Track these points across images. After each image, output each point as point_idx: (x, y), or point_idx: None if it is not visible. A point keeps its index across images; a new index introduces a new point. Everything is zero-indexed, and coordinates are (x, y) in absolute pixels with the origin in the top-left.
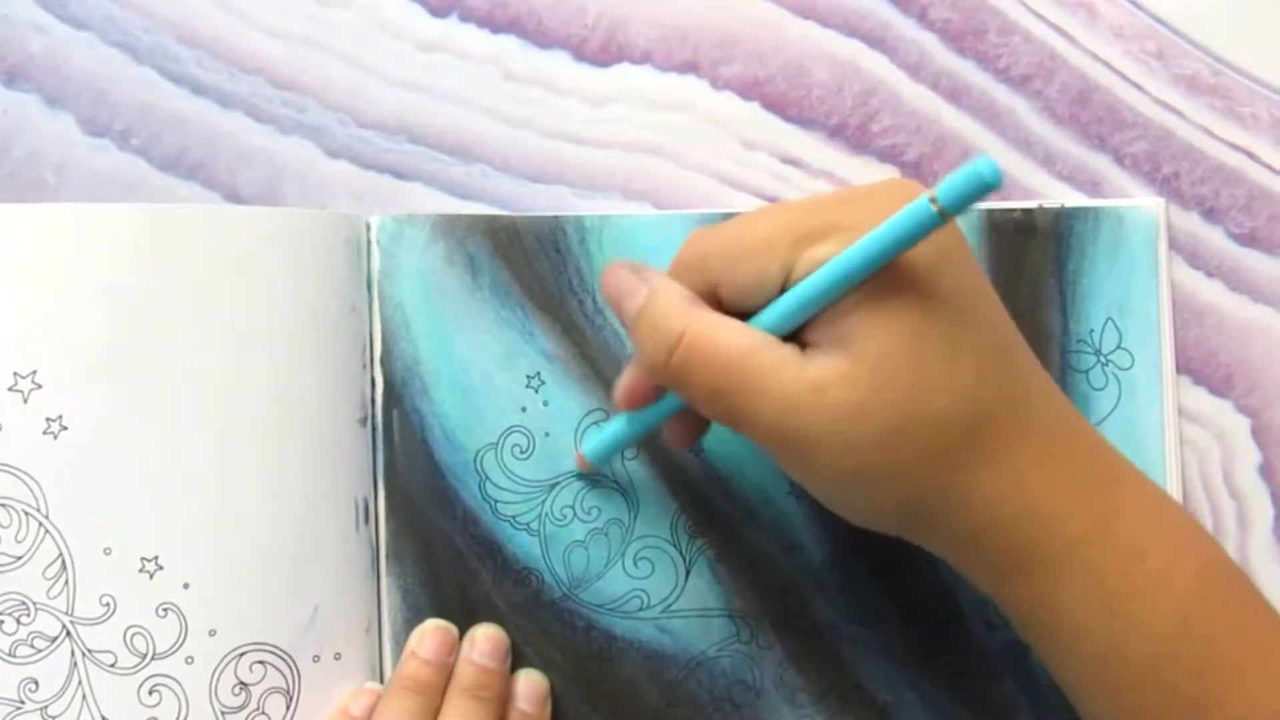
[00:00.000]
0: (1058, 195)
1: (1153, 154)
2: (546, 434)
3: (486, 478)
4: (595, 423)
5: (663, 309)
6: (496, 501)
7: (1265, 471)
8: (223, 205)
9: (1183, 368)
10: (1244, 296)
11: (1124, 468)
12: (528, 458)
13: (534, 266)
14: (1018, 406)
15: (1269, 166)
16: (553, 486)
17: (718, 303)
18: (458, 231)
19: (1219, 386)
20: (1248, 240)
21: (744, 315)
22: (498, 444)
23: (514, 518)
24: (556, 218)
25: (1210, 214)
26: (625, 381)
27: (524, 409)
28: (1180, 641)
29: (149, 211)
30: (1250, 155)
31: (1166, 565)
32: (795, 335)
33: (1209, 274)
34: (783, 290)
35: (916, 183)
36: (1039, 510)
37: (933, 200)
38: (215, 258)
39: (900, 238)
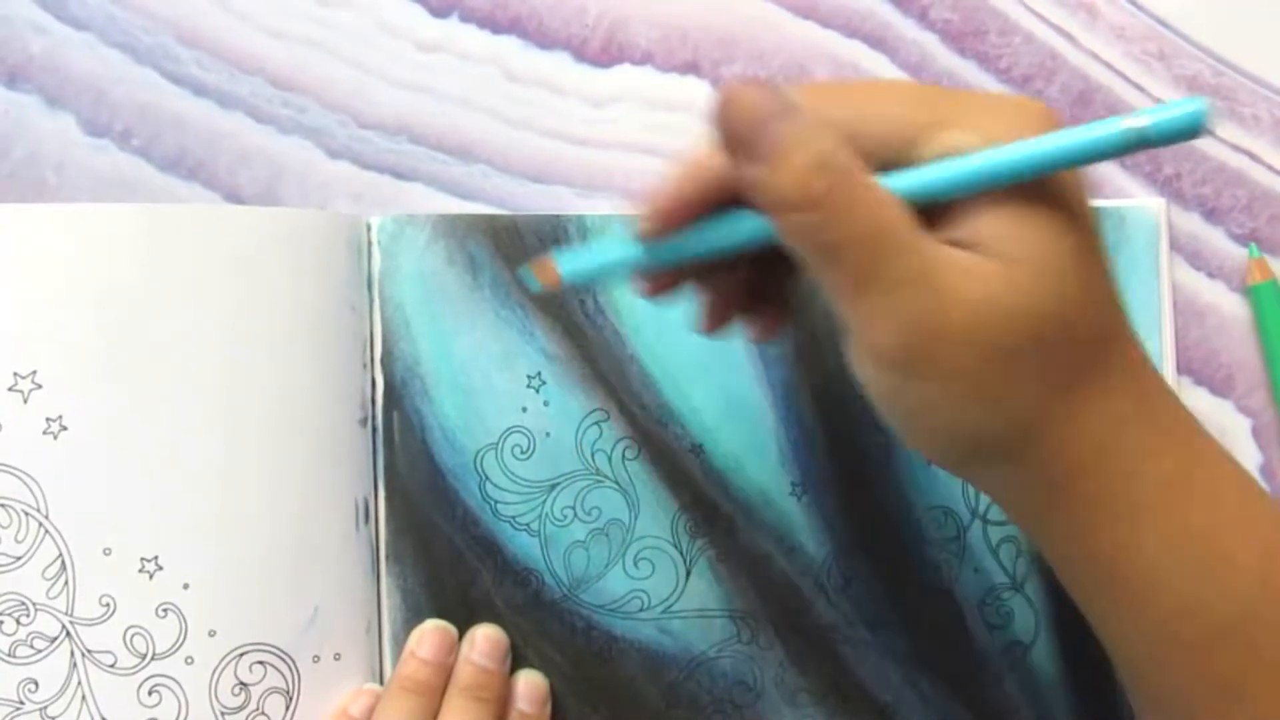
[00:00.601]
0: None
1: (1153, 154)
2: (547, 434)
3: (487, 478)
4: (596, 423)
5: (827, 138)
6: (497, 502)
7: (1266, 472)
8: (223, 205)
9: (1183, 368)
10: (1245, 297)
11: (1190, 415)
12: (528, 458)
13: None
14: (1124, 347)
15: (1270, 167)
16: (553, 487)
17: None
18: (458, 231)
19: (1220, 387)
20: (1249, 241)
21: None
22: (498, 444)
23: (514, 518)
24: (558, 217)
25: (1211, 215)
26: (667, 198)
27: (524, 409)
28: (1261, 596)
29: (149, 211)
30: (1251, 156)
31: (1242, 515)
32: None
33: (1210, 275)
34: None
35: (1043, 104)
36: (1133, 446)
37: (1142, 125)
38: (215, 258)
39: (1093, 151)
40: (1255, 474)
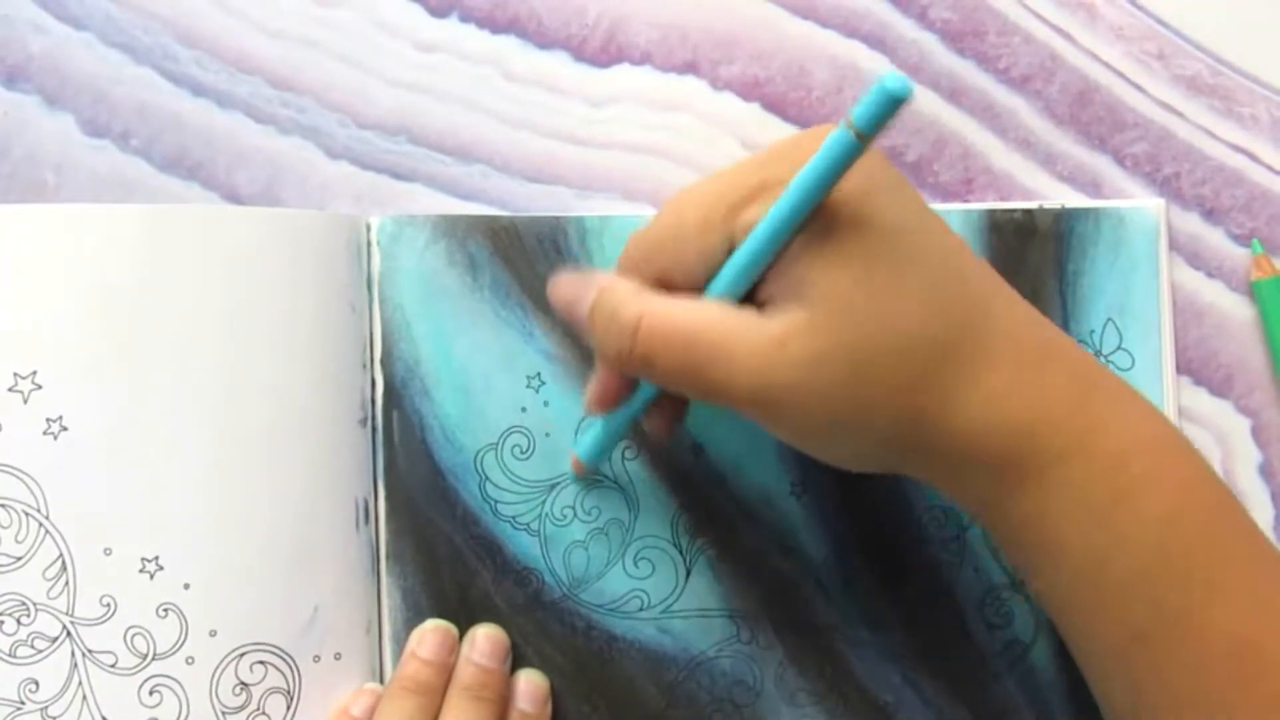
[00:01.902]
0: (1058, 196)
1: (1153, 154)
2: (547, 434)
3: (487, 478)
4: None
5: (615, 301)
6: (497, 502)
7: (1265, 471)
8: (222, 205)
9: (1183, 368)
10: (1245, 297)
11: (1103, 376)
12: (528, 458)
13: (534, 267)
14: (980, 324)
15: (1269, 167)
16: (553, 486)
17: (670, 289)
18: (458, 232)
19: (1219, 387)
20: (1248, 241)
21: (698, 295)
22: (498, 444)
23: (514, 518)
24: (557, 218)
25: (1211, 214)
26: (594, 385)
27: (524, 409)
28: (1165, 550)
29: (149, 211)
30: (1251, 156)
31: (1149, 474)
32: (751, 298)
33: (1209, 274)
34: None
35: (830, 125)
36: (1018, 424)
37: (848, 125)
38: (215, 258)
39: (825, 172)
40: (1255, 474)
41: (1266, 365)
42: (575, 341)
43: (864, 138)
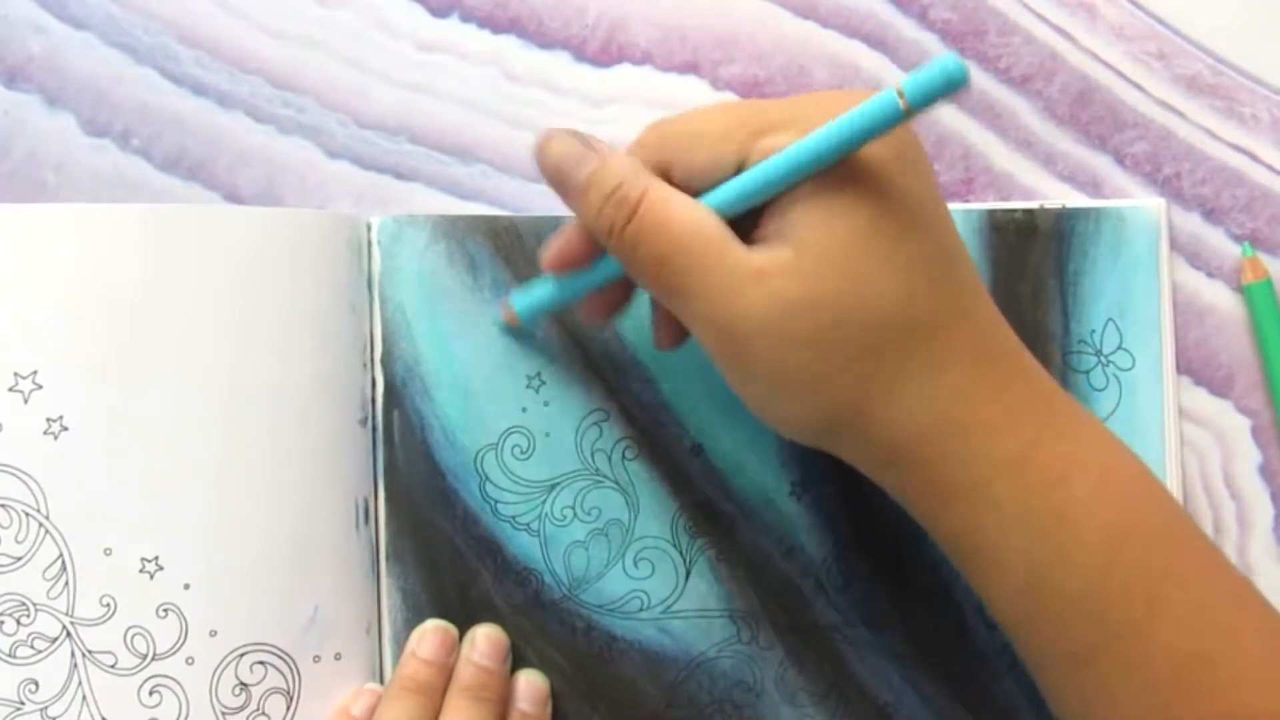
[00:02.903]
0: (1058, 195)
1: (1153, 154)
2: (547, 434)
3: (487, 478)
4: (596, 423)
5: (618, 173)
6: (496, 502)
7: (1265, 471)
8: (223, 205)
9: (1183, 368)
10: (1245, 297)
11: (1058, 397)
12: (528, 458)
13: (535, 267)
14: (954, 318)
15: (1270, 167)
16: (553, 487)
17: (669, 180)
18: (458, 232)
19: (1219, 387)
20: (1249, 241)
21: (694, 195)
22: (498, 444)
23: (514, 518)
24: (557, 218)
25: (1211, 214)
26: (559, 243)
27: (524, 409)
28: (1107, 570)
29: (149, 211)
30: (1251, 156)
31: (1092, 494)
32: (745, 230)
33: (1210, 274)
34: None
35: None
36: (964, 426)
37: (899, 94)
38: (215, 258)
39: (861, 130)
40: (1255, 474)
41: (1260, 366)
42: (575, 341)
43: (910, 111)
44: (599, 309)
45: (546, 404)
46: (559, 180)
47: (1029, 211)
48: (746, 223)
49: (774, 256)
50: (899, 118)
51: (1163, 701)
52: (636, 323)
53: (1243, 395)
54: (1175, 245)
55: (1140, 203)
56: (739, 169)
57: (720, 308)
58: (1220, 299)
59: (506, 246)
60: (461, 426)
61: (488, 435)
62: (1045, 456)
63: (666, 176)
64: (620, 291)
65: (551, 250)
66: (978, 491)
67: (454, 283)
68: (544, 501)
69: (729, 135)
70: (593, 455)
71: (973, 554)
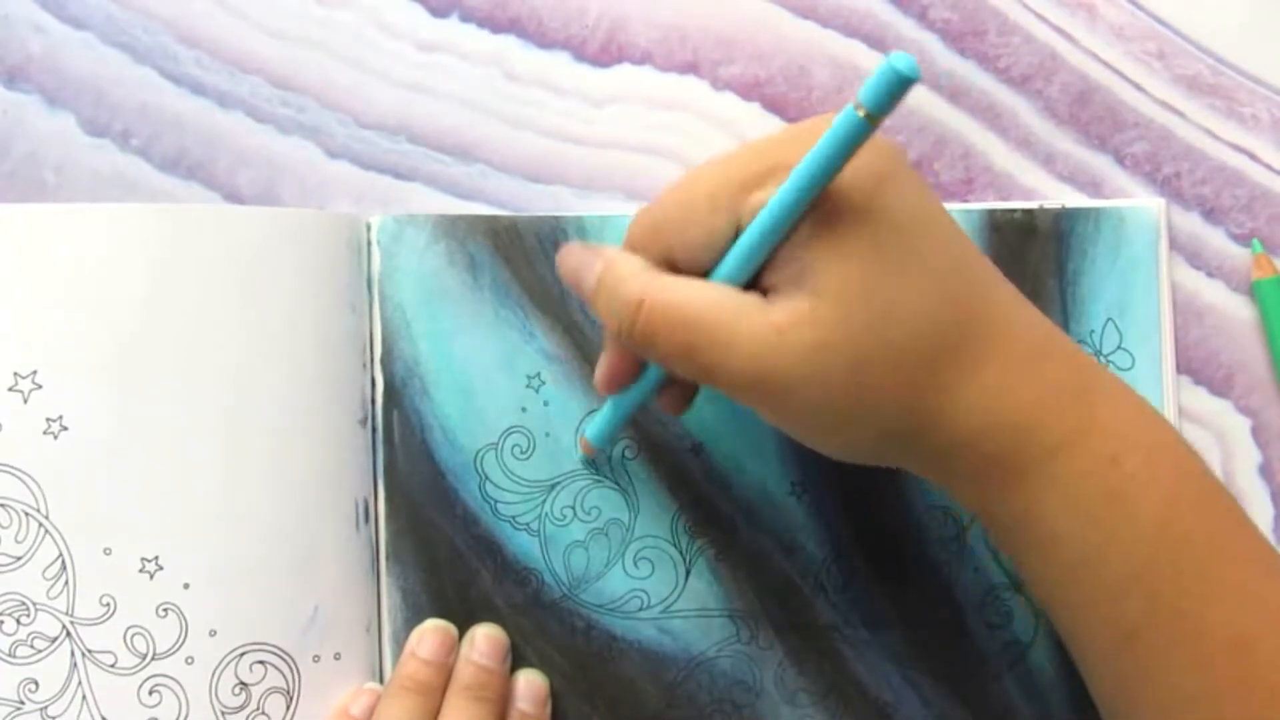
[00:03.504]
0: (1058, 195)
1: (1153, 154)
2: (546, 434)
3: (486, 478)
4: None
5: (618, 276)
6: (496, 501)
7: (1265, 471)
8: (223, 205)
9: (1183, 368)
10: (1245, 297)
11: (1100, 376)
12: (528, 458)
13: (535, 267)
14: (981, 320)
15: (1269, 167)
16: (553, 486)
17: (674, 270)
18: (458, 232)
19: (1219, 386)
20: (1248, 241)
21: (703, 276)
22: (498, 444)
23: (514, 518)
24: (557, 218)
25: (1211, 214)
26: (602, 364)
27: (524, 409)
28: (1158, 547)
29: (149, 211)
30: (1251, 156)
31: (1143, 471)
32: (755, 284)
33: (1210, 274)
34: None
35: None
36: (1014, 420)
37: (857, 106)
38: (215, 258)
39: (832, 155)
40: (1255, 474)
41: (1267, 365)
42: (576, 341)
43: (872, 118)
44: (672, 406)
45: (546, 404)
46: (577, 292)
47: (1028, 211)
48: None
49: (792, 308)
50: (864, 130)
51: (1210, 682)
52: None
53: (1243, 395)
54: (1175, 245)
55: (1139, 203)
56: (735, 232)
57: (749, 371)
58: (1220, 299)
59: (506, 246)
60: (461, 426)
61: (488, 435)
62: (1094, 439)
63: (670, 262)
64: (682, 384)
65: (599, 375)
66: (1033, 478)
67: (454, 282)
68: (544, 501)
69: (716, 203)
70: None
71: (1026, 540)
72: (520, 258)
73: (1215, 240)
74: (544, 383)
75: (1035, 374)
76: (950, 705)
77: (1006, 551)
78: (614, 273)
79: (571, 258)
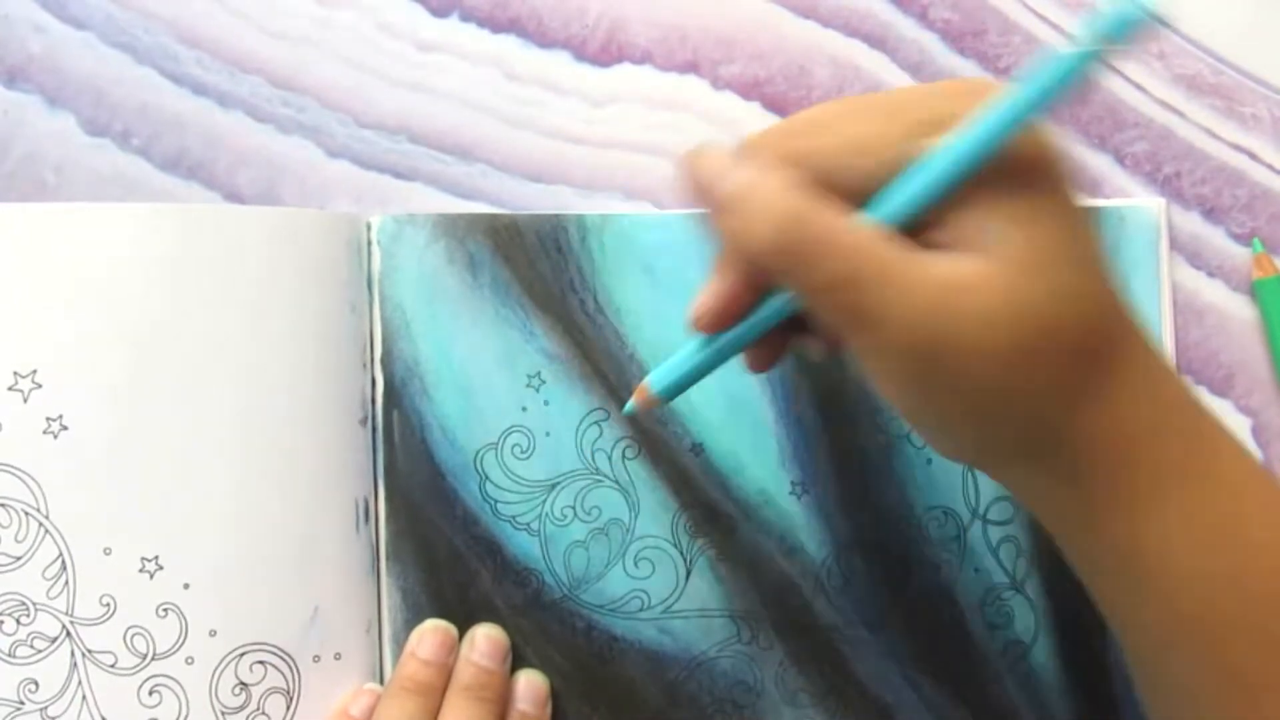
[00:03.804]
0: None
1: (1154, 154)
2: (547, 434)
3: (486, 478)
4: (596, 422)
5: (774, 187)
6: (496, 501)
7: None
8: (222, 205)
9: (1183, 368)
10: (1245, 297)
11: (1205, 406)
12: (528, 458)
13: (535, 265)
14: (1130, 322)
15: (1270, 166)
16: (553, 486)
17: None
18: (458, 231)
19: (1219, 386)
20: (1249, 240)
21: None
22: (498, 444)
23: (514, 518)
24: (558, 216)
25: (1211, 214)
26: (709, 295)
27: (524, 408)
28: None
29: (148, 211)
30: (1251, 155)
31: (1268, 506)
32: (912, 236)
33: (1210, 274)
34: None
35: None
36: (1154, 432)
37: (1082, 42)
38: (215, 258)
39: (1042, 95)
40: None
41: (1267, 365)
42: (576, 341)
43: (1097, 54)
44: (763, 360)
45: (546, 403)
46: (701, 197)
47: None
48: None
49: (966, 268)
50: (1088, 62)
51: None
52: (635, 320)
53: (1243, 395)
54: (1175, 245)
55: (1140, 202)
56: (895, 174)
57: (910, 330)
58: (1220, 299)
59: (506, 245)
60: (461, 426)
61: (487, 435)
62: (1218, 465)
63: (824, 189)
64: (780, 338)
65: (700, 308)
66: (1157, 499)
67: (454, 282)
68: (544, 501)
69: (886, 140)
70: (593, 455)
71: (1139, 568)
72: (520, 256)
73: (1215, 240)
74: (544, 382)
75: (1176, 392)
76: (951, 705)
77: (1103, 589)
78: (769, 180)
79: (705, 161)
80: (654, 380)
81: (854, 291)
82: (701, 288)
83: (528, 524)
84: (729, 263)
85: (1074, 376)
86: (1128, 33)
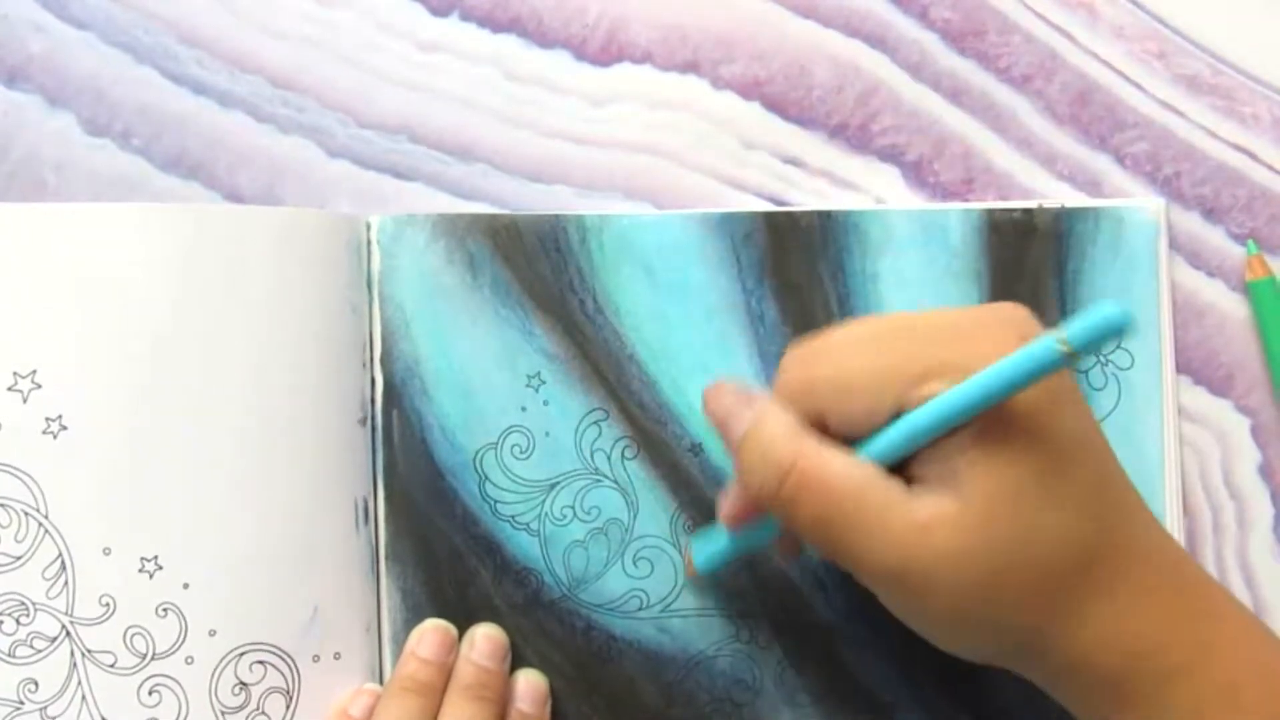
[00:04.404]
0: (1058, 195)
1: (1154, 154)
2: (546, 434)
3: (486, 477)
4: (596, 422)
5: (771, 436)
6: (496, 501)
7: (1265, 471)
8: (221, 205)
9: (1183, 368)
10: (1245, 297)
11: (1222, 600)
12: (527, 457)
13: (534, 266)
14: (1119, 541)
15: (1270, 166)
16: (552, 486)
17: (823, 428)
18: (458, 231)
19: (1219, 386)
20: (1248, 240)
21: (849, 442)
22: (497, 444)
23: (513, 517)
24: (557, 216)
25: (1211, 214)
26: (729, 503)
27: (524, 408)
28: None
29: (148, 211)
30: (1251, 155)
31: (1262, 701)
32: (901, 465)
33: (1210, 274)
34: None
35: (1027, 311)
36: (1138, 641)
37: (1061, 341)
38: (214, 258)
39: (1021, 376)
40: (1255, 474)
41: (1263, 365)
42: (575, 341)
43: (1075, 358)
44: (791, 547)
45: (546, 403)
46: (720, 432)
47: (1028, 211)
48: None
49: (940, 508)
50: (1061, 364)
51: None
52: (635, 320)
53: (1243, 395)
54: (1175, 245)
55: (1139, 203)
56: (895, 415)
57: (886, 563)
58: (1220, 299)
59: (506, 245)
60: (461, 426)
61: (487, 435)
62: (1215, 665)
63: (821, 425)
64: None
65: (725, 511)
66: (1151, 701)
67: (454, 282)
68: (543, 501)
69: (883, 386)
70: (592, 455)
71: None
72: (520, 256)
73: (1215, 240)
74: (544, 382)
75: (1161, 597)
76: (949, 705)
77: None
78: (766, 429)
79: (721, 400)
80: (699, 561)
81: (835, 529)
82: (726, 492)
83: (527, 524)
84: (745, 488)
85: (1040, 602)
86: (1108, 338)
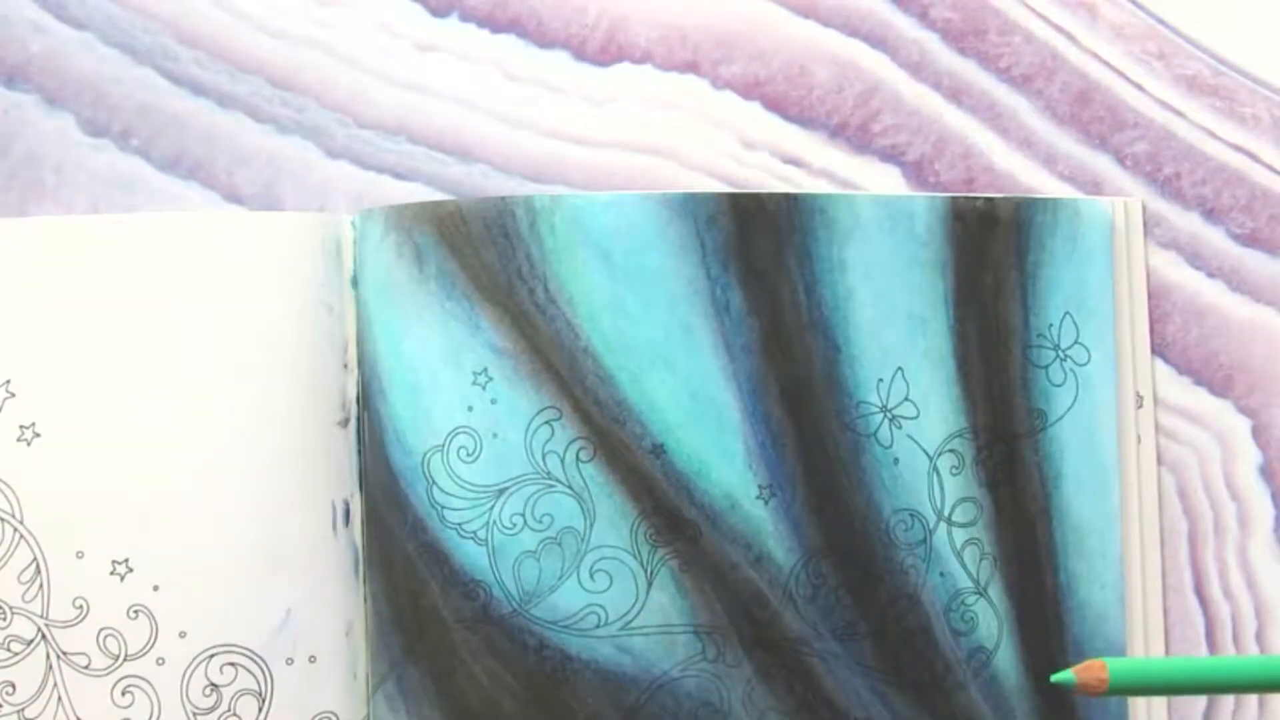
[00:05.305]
0: (1058, 195)
1: (1154, 154)
2: (494, 435)
3: (434, 482)
4: (547, 422)
5: None
6: (443, 508)
7: (1266, 472)
8: (190, 212)
9: (1183, 368)
10: (1245, 297)
11: None
12: (474, 460)
13: (480, 254)
14: None
15: (1270, 167)
16: (501, 492)
17: None
18: (405, 222)
19: (1219, 387)
20: (1249, 241)
21: None
22: (444, 446)
23: (460, 525)
24: (504, 199)
25: (1211, 214)
26: None
27: (470, 408)
28: None
29: (121, 220)
30: (1251, 156)
31: None
32: None
33: (1210, 274)
34: None
35: None
36: None
37: None
38: (187, 263)
39: None
40: (1255, 475)
41: (1267, 365)
42: (525, 334)
43: None
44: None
45: (494, 402)
46: None
47: (989, 199)
48: None
49: None
50: None
51: None
52: (590, 309)
53: (1242, 395)
54: (1175, 245)
55: (1099, 196)
56: None
57: None
58: (1220, 299)
59: (452, 234)
60: (410, 427)
61: (434, 436)
62: None
63: None
64: None
65: None
66: None
67: (403, 276)
68: (492, 508)
69: None
70: (544, 457)
71: None
72: (466, 245)
73: (1215, 240)
74: (491, 379)
75: None
76: (917, 715)
77: None
78: None
79: None
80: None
81: None
82: None
83: (474, 532)
84: None
85: None
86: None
